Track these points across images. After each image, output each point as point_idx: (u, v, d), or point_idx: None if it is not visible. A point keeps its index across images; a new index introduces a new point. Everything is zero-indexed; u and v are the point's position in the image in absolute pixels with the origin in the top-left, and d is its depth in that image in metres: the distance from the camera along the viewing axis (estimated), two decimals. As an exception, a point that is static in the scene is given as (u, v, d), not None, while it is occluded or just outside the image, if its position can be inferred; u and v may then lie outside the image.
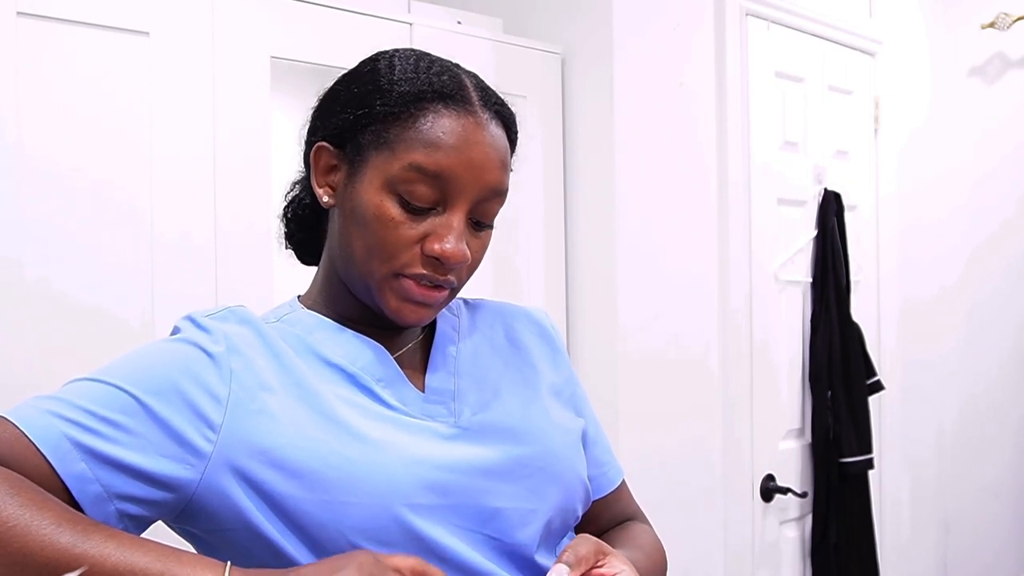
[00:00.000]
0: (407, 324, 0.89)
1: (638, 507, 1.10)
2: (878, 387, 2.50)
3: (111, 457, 0.76)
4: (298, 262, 1.03)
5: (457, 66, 0.92)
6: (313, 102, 0.94)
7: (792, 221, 2.39)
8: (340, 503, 0.79)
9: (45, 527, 0.68)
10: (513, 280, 1.98)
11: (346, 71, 0.93)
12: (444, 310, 0.99)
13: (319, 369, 0.87)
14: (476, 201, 0.87)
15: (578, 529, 0.99)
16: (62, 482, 0.74)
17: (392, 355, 0.91)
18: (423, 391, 0.91)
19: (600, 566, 0.85)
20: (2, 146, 1.34)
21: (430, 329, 0.97)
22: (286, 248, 1.03)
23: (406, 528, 0.81)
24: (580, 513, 0.97)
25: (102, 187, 1.44)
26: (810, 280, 2.43)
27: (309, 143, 0.93)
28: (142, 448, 0.77)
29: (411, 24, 1.82)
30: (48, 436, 0.74)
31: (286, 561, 0.79)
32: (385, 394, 0.88)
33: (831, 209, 2.44)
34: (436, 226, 0.86)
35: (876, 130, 2.69)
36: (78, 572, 0.67)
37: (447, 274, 0.87)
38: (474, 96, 0.88)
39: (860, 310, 2.55)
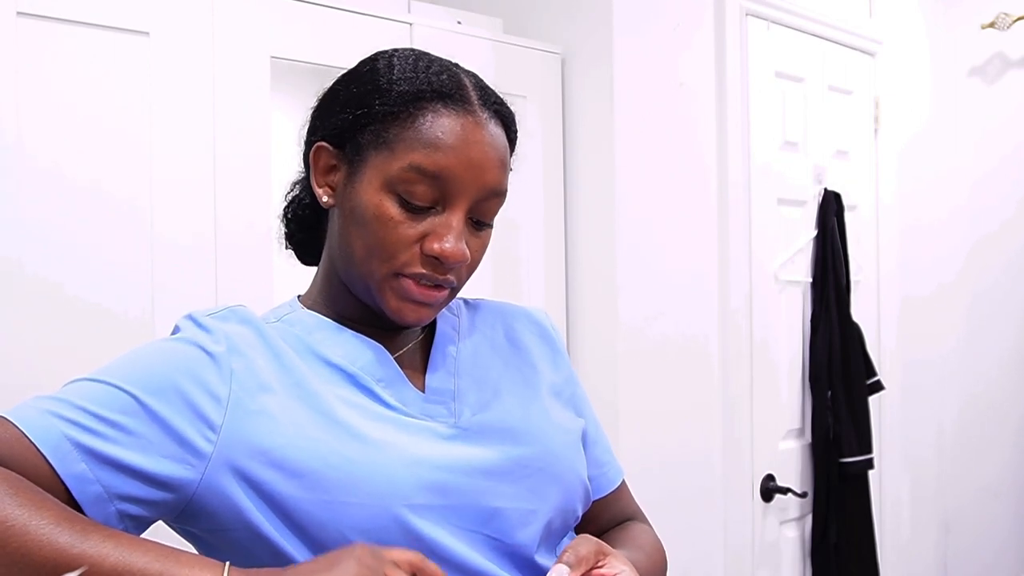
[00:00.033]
0: (407, 324, 0.89)
1: (638, 507, 1.10)
2: (878, 387, 2.50)
3: (111, 457, 0.75)
4: (298, 262, 1.03)
5: (456, 65, 0.92)
6: (313, 102, 0.94)
7: (792, 221, 2.39)
8: (340, 503, 0.79)
9: (44, 527, 0.68)
10: (513, 280, 1.98)
11: (345, 71, 0.93)
12: (444, 310, 0.99)
13: (319, 369, 0.87)
14: (475, 200, 0.87)
15: (578, 529, 0.99)
16: (62, 483, 0.74)
17: (392, 355, 0.91)
18: (423, 391, 0.91)
19: (600, 566, 0.85)
20: (2, 146, 1.34)
21: (430, 329, 0.97)
22: (286, 248, 1.03)
23: (406, 528, 0.81)
24: (580, 513, 0.97)
25: (102, 187, 1.44)
26: (810, 280, 2.43)
27: (309, 143, 0.93)
28: (142, 448, 0.77)
29: (411, 24, 1.82)
30: (48, 436, 0.74)
31: (286, 561, 0.79)
32: (385, 394, 0.88)
33: (831, 209, 2.44)
34: (435, 225, 0.86)
35: (876, 130, 2.69)
36: (77, 572, 0.67)
37: (447, 273, 0.87)
38: (473, 95, 0.88)
39: (860, 310, 2.55)
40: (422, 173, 0.84)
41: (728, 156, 2.18)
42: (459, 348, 0.96)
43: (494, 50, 1.96)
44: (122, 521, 0.77)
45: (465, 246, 0.86)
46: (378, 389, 0.88)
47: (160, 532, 0.81)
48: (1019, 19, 2.76)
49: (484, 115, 0.88)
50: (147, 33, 1.48)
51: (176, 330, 0.87)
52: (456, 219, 0.86)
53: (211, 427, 0.80)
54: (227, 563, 0.71)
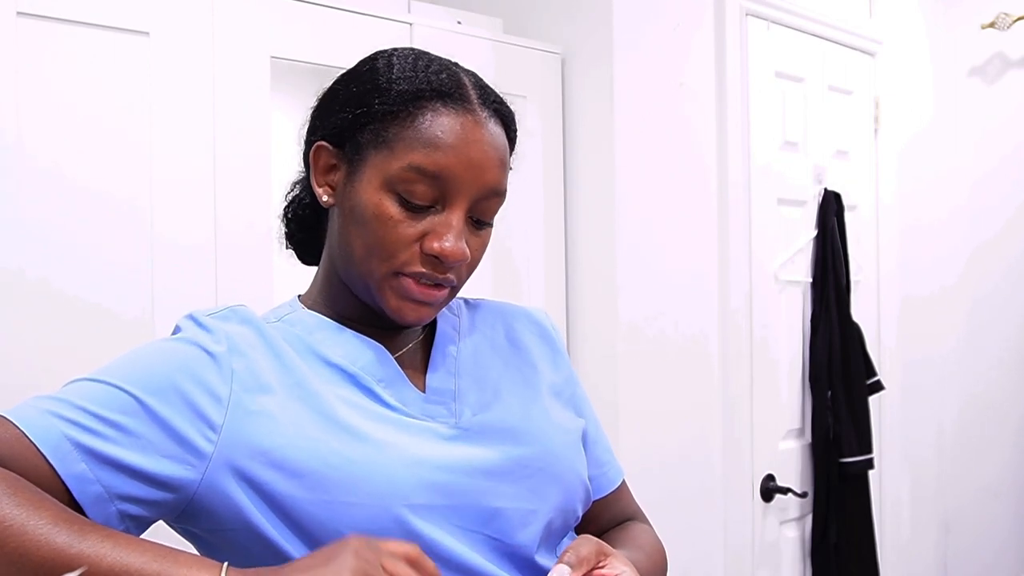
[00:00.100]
0: (407, 323, 0.89)
1: (638, 507, 1.10)
2: (878, 387, 2.50)
3: (112, 457, 0.75)
4: (298, 262, 1.03)
5: (456, 65, 0.92)
6: (313, 102, 0.94)
7: (792, 221, 2.39)
8: (340, 503, 0.79)
9: (42, 527, 0.68)
10: (513, 280, 1.98)
11: (345, 70, 0.93)
12: (444, 310, 0.99)
13: (320, 369, 0.87)
14: (475, 200, 0.87)
15: (578, 529, 0.99)
16: (62, 483, 0.74)
17: (392, 355, 0.91)
18: (423, 391, 0.91)
19: (601, 567, 0.85)
20: (2, 146, 1.34)
21: (430, 329, 0.97)
22: (286, 248, 1.03)
23: (406, 528, 0.81)
24: (580, 513, 0.97)
25: (102, 187, 1.44)
26: (810, 280, 2.43)
27: (308, 143, 0.93)
28: (143, 448, 0.77)
29: (411, 24, 1.83)
30: (48, 436, 0.74)
31: (286, 561, 0.78)
32: (385, 394, 0.88)
33: (831, 209, 2.44)
34: (435, 224, 0.86)
35: (876, 130, 2.69)
36: (76, 573, 0.67)
37: (447, 272, 0.87)
38: (472, 95, 0.88)
39: (860, 310, 2.55)
40: (422, 172, 0.84)
41: (728, 156, 2.18)
42: (459, 348, 0.96)
43: (494, 50, 1.96)
44: (123, 521, 0.77)
45: (465, 245, 0.86)
46: (378, 389, 0.88)
47: (160, 532, 0.81)
48: (1019, 19, 2.76)
49: (484, 114, 0.88)
50: (147, 33, 1.48)
51: (177, 330, 0.87)
52: (456, 218, 0.86)
53: (212, 427, 0.80)
54: (225, 563, 0.71)
